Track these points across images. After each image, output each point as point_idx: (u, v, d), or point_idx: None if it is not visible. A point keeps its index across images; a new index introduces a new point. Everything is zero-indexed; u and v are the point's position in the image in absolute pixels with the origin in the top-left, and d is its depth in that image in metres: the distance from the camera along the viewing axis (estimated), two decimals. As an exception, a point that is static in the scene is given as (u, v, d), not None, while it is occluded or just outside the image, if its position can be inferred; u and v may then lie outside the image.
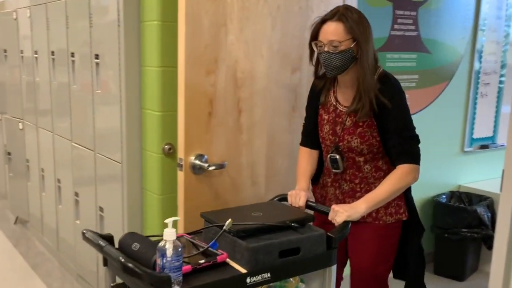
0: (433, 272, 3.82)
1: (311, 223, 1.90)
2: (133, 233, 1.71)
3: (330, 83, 2.20)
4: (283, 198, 2.20)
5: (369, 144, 2.09)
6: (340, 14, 1.99)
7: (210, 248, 1.67)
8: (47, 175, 3.85)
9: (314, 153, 2.29)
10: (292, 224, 1.81)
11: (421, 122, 3.64)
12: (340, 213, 1.95)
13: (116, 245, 1.68)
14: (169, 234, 1.47)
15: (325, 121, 2.19)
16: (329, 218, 1.99)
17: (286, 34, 2.46)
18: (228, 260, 1.69)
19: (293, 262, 1.74)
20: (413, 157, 2.07)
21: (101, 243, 1.65)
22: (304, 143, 2.32)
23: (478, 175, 4.10)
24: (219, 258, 1.65)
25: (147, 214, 2.70)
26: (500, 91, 4.09)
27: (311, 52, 2.14)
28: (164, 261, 1.46)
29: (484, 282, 3.66)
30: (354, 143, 2.11)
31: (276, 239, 1.71)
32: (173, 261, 1.47)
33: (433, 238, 3.84)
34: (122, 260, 1.52)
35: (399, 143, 2.04)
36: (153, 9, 2.47)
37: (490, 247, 3.70)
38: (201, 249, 1.69)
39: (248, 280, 1.63)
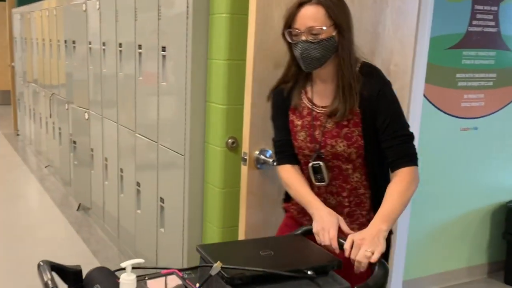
0: (503, 282, 3.62)
1: (334, 272, 1.41)
2: (102, 269, 1.43)
3: (300, 83, 1.85)
4: (310, 230, 1.73)
5: (358, 146, 1.76)
6: None
7: None
8: (110, 164, 3.91)
9: (298, 168, 1.89)
10: (308, 273, 1.35)
11: (497, 123, 3.47)
12: (366, 251, 1.51)
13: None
14: (127, 283, 1.15)
15: (299, 127, 1.83)
16: (351, 256, 1.54)
17: (359, 29, 2.34)
18: None
19: None
20: (415, 159, 1.75)
21: (49, 283, 1.30)
22: (282, 160, 1.89)
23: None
24: None
25: (208, 207, 2.67)
26: None
27: (287, 43, 1.79)
28: None
29: (560, 296, 3.44)
30: (340, 147, 1.77)
31: None
32: None
33: (505, 245, 3.63)
34: None
35: (397, 143, 1.73)
36: (222, 2, 2.43)
37: None
38: None
39: None
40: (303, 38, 1.70)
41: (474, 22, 3.24)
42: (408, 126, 1.79)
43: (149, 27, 3.02)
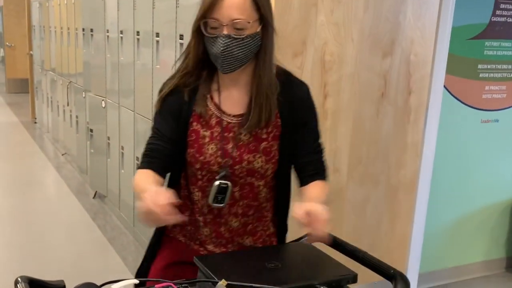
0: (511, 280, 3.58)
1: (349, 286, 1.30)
2: (89, 286, 1.25)
3: (204, 86, 1.53)
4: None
5: (275, 161, 1.53)
6: None
7: None
8: (127, 152, 3.92)
9: (160, 180, 1.50)
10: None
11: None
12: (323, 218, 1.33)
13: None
14: None
15: (208, 139, 1.51)
16: (307, 225, 1.33)
17: (379, 17, 2.33)
18: None
19: None
20: (327, 174, 1.61)
21: None
22: (147, 165, 1.52)
23: None
24: None
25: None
26: None
27: (197, 35, 1.47)
28: None
29: None
30: (258, 163, 1.51)
31: None
32: None
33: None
34: None
35: (316, 159, 1.58)
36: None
37: None
38: None
39: None
40: (225, 32, 1.40)
41: (498, 12, 3.17)
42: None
43: (167, 16, 3.01)
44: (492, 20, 3.17)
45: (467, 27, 3.12)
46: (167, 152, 1.51)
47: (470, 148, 3.33)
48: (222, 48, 1.40)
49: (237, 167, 1.50)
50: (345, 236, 2.43)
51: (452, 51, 3.06)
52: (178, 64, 1.55)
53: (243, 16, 1.39)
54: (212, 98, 1.52)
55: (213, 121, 1.51)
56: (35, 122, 8.34)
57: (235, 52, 1.41)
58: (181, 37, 2.87)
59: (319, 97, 2.23)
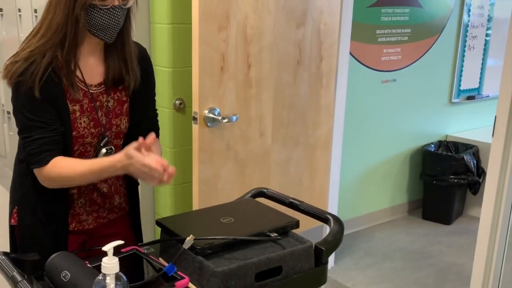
0: (421, 217, 4.04)
1: (293, 231, 1.46)
2: (66, 255, 1.30)
3: (67, 63, 1.49)
4: (259, 193, 1.76)
5: (130, 120, 1.66)
6: None
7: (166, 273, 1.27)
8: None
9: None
10: (273, 235, 1.39)
11: (411, 75, 3.80)
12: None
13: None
14: (110, 267, 1.07)
15: (78, 113, 1.54)
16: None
17: (292, -10, 2.54)
18: (191, 285, 1.29)
19: (273, 286, 1.32)
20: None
21: (16, 275, 1.22)
22: (51, 157, 1.49)
23: (465, 125, 4.29)
24: (178, 285, 1.25)
25: (158, 167, 2.81)
26: (486, 44, 4.23)
27: (84, 12, 1.45)
28: None
29: (469, 225, 3.91)
30: (123, 124, 1.64)
31: (252, 258, 1.28)
32: None
33: (422, 185, 4.04)
34: None
35: (154, 116, 1.76)
36: (160, -34, 2.51)
37: (475, 192, 3.93)
38: (154, 276, 1.30)
39: None
40: (116, 3, 1.47)
41: (391, -19, 3.51)
42: None
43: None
44: (387, -12, 3.50)
45: (366, -4, 3.43)
46: (61, 136, 1.51)
47: (373, 106, 3.69)
48: (116, 18, 1.47)
49: (107, 133, 1.59)
50: (273, 192, 2.65)
51: (355, 19, 3.36)
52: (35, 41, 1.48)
53: None
54: (76, 72, 1.52)
55: (81, 93, 1.54)
56: None
57: (120, 21, 1.50)
58: (35, 11, 2.90)
59: (243, 67, 2.42)
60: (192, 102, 2.32)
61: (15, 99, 1.50)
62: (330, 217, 1.56)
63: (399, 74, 3.75)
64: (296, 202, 1.66)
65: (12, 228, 1.69)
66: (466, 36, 4.07)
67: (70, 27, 1.45)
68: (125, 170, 1.47)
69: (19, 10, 3.62)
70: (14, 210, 1.67)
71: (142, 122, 1.68)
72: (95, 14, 1.46)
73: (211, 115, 2.33)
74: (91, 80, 1.57)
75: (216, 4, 2.25)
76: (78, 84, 1.53)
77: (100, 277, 1.08)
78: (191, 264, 1.30)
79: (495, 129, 2.29)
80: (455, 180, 3.82)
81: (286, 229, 1.45)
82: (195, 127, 2.33)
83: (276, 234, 1.40)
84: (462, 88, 4.17)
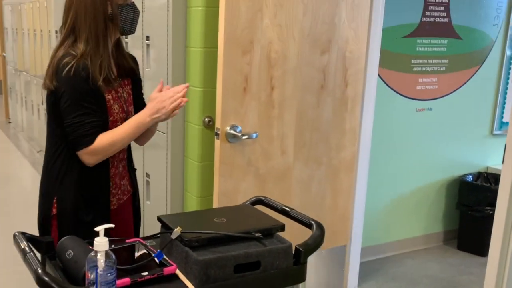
0: (456, 247, 4.02)
1: (280, 233, 1.63)
2: (74, 238, 1.51)
3: (105, 63, 1.83)
4: (258, 200, 1.95)
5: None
6: None
7: (156, 259, 1.47)
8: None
9: None
10: (256, 235, 1.54)
11: (449, 104, 3.84)
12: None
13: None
14: (100, 244, 1.23)
15: (112, 102, 1.88)
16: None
17: (317, 20, 2.71)
18: (178, 272, 1.46)
19: (251, 279, 1.48)
20: None
21: (26, 248, 1.42)
22: (95, 136, 1.81)
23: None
24: (165, 271, 1.43)
25: (188, 179, 3.03)
26: (530, 77, 4.20)
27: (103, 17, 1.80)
28: (94, 275, 1.25)
29: (506, 259, 3.83)
30: (132, 113, 2.00)
31: (232, 252, 1.45)
32: (105, 275, 1.25)
33: (458, 215, 4.02)
34: (39, 271, 1.29)
35: (145, 103, 2.08)
36: (197, -4, 2.76)
37: (512, 226, 3.86)
38: (145, 260, 1.49)
39: None
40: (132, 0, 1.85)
41: (427, 13, 3.61)
42: None
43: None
44: (423, 20, 3.60)
45: (401, 27, 3.54)
46: (102, 122, 1.84)
47: (408, 134, 3.76)
48: (137, 11, 1.86)
49: (129, 118, 1.93)
50: (292, 208, 2.79)
51: (388, 48, 3.49)
52: (81, 46, 1.80)
53: None
54: (112, 67, 1.89)
55: (114, 84, 1.88)
56: (9, 122, 8.54)
57: (137, 16, 1.89)
58: (147, 38, 3.22)
59: (266, 88, 2.60)
60: (216, 118, 2.53)
61: (71, 91, 1.77)
62: (313, 223, 1.70)
63: (435, 103, 3.80)
64: (287, 209, 1.81)
65: (47, 218, 1.94)
66: (509, 68, 4.06)
67: (104, 29, 1.80)
68: (153, 115, 1.86)
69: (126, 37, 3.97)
70: (54, 201, 1.92)
71: (140, 108, 2.00)
72: (124, 11, 1.83)
73: (232, 132, 2.52)
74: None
75: (241, 30, 2.46)
76: (111, 76, 1.86)
77: (92, 254, 1.26)
78: (180, 254, 1.49)
79: (505, 159, 2.33)
80: (491, 211, 3.78)
81: (271, 231, 1.61)
82: (217, 142, 2.53)
83: (259, 234, 1.56)
84: (504, 120, 4.14)
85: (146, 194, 3.43)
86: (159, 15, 3.03)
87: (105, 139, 1.81)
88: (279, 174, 2.76)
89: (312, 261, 3.03)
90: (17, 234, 1.50)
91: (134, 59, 2.11)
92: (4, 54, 8.56)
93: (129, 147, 2.10)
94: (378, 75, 3.47)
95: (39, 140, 6.52)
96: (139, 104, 2.09)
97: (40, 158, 6.31)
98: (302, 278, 1.59)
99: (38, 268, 1.30)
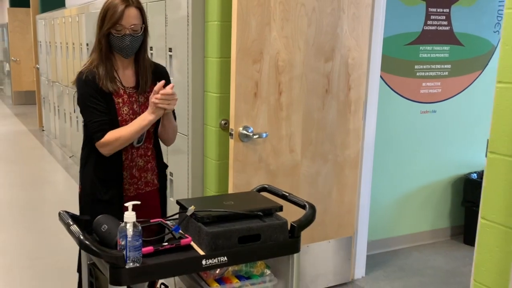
0: (462, 242, 4.24)
1: (278, 213, 1.92)
2: (107, 216, 1.82)
3: (106, 71, 2.22)
4: (263, 188, 2.23)
5: None
6: (136, 0, 2.20)
7: (174, 232, 1.78)
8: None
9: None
10: (258, 213, 1.85)
11: (453, 107, 4.08)
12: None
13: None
14: (129, 217, 1.59)
15: (121, 104, 2.25)
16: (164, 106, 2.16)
17: (320, 31, 3.01)
18: (193, 244, 1.76)
19: (252, 248, 1.77)
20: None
21: (69, 221, 1.73)
22: (103, 134, 2.21)
23: None
24: (182, 242, 1.73)
25: (207, 176, 3.35)
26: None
27: (105, 38, 2.18)
28: (125, 241, 1.57)
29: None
30: None
31: (237, 226, 1.76)
32: (133, 241, 1.57)
33: (463, 212, 4.25)
34: (81, 237, 1.61)
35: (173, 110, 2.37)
36: (213, 11, 3.09)
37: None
38: (165, 233, 1.79)
39: (204, 262, 1.69)
40: (128, 32, 2.16)
41: (429, 22, 3.86)
42: None
43: (158, 31, 3.70)
44: (425, 29, 3.86)
45: (404, 35, 3.81)
46: (109, 122, 2.21)
47: (413, 135, 4.01)
48: (129, 42, 2.18)
49: None
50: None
51: (392, 55, 3.77)
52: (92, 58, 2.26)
53: (138, 22, 2.19)
54: (114, 75, 2.25)
55: (121, 92, 2.25)
56: (43, 130, 9.01)
57: (134, 44, 2.20)
58: (170, 49, 3.56)
59: (275, 93, 2.91)
60: (230, 121, 2.84)
61: (80, 94, 2.23)
62: (306, 204, 2.00)
63: (439, 106, 4.05)
64: (286, 194, 2.11)
65: (79, 199, 2.40)
66: (511, 71, 4.27)
67: (100, 49, 2.22)
68: (152, 113, 2.17)
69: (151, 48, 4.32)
70: (80, 184, 2.38)
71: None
72: (113, 40, 2.18)
73: (244, 132, 2.83)
74: (127, 84, 2.29)
75: (252, 42, 2.77)
76: (118, 85, 2.25)
77: (123, 224, 1.59)
78: (194, 229, 1.81)
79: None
80: (493, 207, 3.99)
81: (271, 210, 1.91)
82: (231, 142, 2.84)
83: (261, 213, 1.87)
84: (507, 121, 4.35)
85: (170, 191, 3.76)
86: (180, 29, 3.36)
87: (113, 135, 2.20)
88: (288, 170, 3.06)
89: (320, 250, 3.31)
90: (62, 212, 1.83)
91: (161, 71, 2.41)
92: (38, 66, 9.05)
93: (158, 147, 2.45)
94: (383, 80, 3.74)
95: (71, 146, 6.94)
96: None
97: (72, 163, 6.73)
98: (296, 249, 1.87)
99: (80, 235, 1.61)
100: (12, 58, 12.22)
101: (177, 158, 3.62)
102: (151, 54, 3.90)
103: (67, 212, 1.83)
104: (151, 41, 3.87)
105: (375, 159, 3.65)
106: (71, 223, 1.72)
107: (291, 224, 1.87)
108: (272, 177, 3.00)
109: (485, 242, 2.01)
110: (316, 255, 3.30)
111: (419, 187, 4.13)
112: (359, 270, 3.58)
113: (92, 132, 2.22)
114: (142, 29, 2.22)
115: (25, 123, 9.88)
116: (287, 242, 1.85)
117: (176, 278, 1.99)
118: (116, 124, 2.23)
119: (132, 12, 2.17)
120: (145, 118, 2.20)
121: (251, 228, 1.78)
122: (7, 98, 13.64)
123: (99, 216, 1.83)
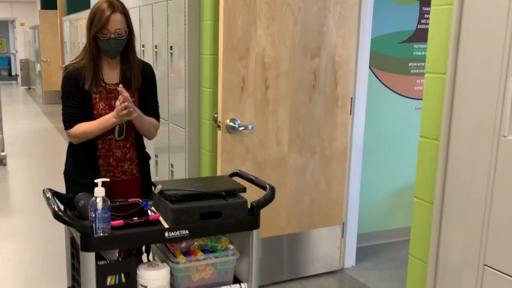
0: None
1: (241, 193, 2.08)
2: (86, 194, 2.01)
3: (93, 70, 2.41)
4: (235, 173, 2.37)
5: (138, 108, 2.47)
6: (121, 6, 2.38)
7: (143, 208, 1.98)
8: (161, 160, 4.80)
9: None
10: (221, 193, 2.02)
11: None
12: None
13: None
14: (99, 192, 1.79)
15: (98, 99, 2.44)
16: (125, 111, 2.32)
17: (306, 30, 3.17)
18: (161, 219, 1.96)
19: (213, 224, 1.96)
20: (159, 120, 2.64)
21: (49, 196, 1.94)
22: (73, 124, 2.42)
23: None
24: (151, 217, 1.93)
25: (202, 166, 3.54)
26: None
27: (93, 40, 2.37)
28: (95, 213, 1.78)
29: None
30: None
31: (200, 204, 1.95)
32: (102, 213, 1.78)
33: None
34: (56, 209, 1.81)
35: (156, 107, 2.61)
36: (207, 12, 3.29)
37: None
38: (135, 209, 1.97)
39: (166, 234, 1.88)
40: (113, 36, 2.35)
41: (423, 21, 3.98)
42: None
43: (179, 30, 3.91)
44: (418, 27, 3.97)
45: (398, 33, 3.93)
46: (81, 115, 2.42)
47: (408, 130, 4.12)
48: (112, 45, 2.37)
49: None
50: (288, 194, 3.29)
51: (385, 53, 3.89)
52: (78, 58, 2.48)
53: (122, 26, 2.37)
54: (99, 75, 2.45)
55: (101, 88, 2.45)
56: (68, 127, 9.37)
57: (118, 47, 2.39)
58: (171, 48, 3.77)
59: (261, 88, 3.08)
60: (218, 113, 3.03)
61: (62, 87, 2.47)
62: (267, 186, 2.16)
63: (434, 103, 4.14)
64: (253, 177, 2.28)
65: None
66: (509, 70, 4.33)
67: (89, 49, 2.42)
68: (115, 117, 2.36)
69: (156, 47, 4.32)
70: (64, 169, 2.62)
71: (148, 111, 2.54)
72: (99, 42, 2.38)
73: (231, 124, 3.01)
74: (110, 80, 2.48)
75: (238, 39, 2.96)
76: (100, 83, 2.44)
77: (93, 199, 1.80)
78: (163, 206, 2.00)
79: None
80: (487, 202, 4.07)
81: (235, 191, 2.08)
82: (219, 133, 3.03)
83: (225, 193, 2.05)
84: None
85: (171, 182, 3.97)
86: (178, 28, 3.57)
87: (80, 128, 2.42)
88: (275, 162, 3.23)
89: (309, 238, 3.46)
90: (45, 189, 2.05)
91: (147, 70, 2.58)
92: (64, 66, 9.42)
93: (140, 139, 2.62)
94: (378, 77, 3.87)
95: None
96: (148, 108, 2.56)
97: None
98: (255, 226, 2.04)
99: (55, 207, 1.84)
100: (43, 58, 12.68)
101: (176, 150, 3.83)
102: (155, 52, 4.12)
103: (50, 190, 2.06)
104: (154, 40, 4.11)
105: (370, 154, 3.78)
106: (50, 197, 1.93)
107: (251, 204, 2.04)
108: (260, 168, 3.18)
109: (417, 219, 2.16)
110: (305, 243, 3.46)
111: (413, 182, 4.22)
112: (349, 260, 3.72)
113: (63, 121, 2.47)
114: (127, 33, 2.40)
115: (52, 121, 10.28)
116: (247, 219, 2.03)
117: (155, 251, 2.19)
118: (90, 117, 2.43)
119: (117, 17, 2.35)
120: (109, 120, 2.39)
121: (212, 205, 1.96)
122: (38, 97, 14.15)
123: (79, 194, 2.04)
